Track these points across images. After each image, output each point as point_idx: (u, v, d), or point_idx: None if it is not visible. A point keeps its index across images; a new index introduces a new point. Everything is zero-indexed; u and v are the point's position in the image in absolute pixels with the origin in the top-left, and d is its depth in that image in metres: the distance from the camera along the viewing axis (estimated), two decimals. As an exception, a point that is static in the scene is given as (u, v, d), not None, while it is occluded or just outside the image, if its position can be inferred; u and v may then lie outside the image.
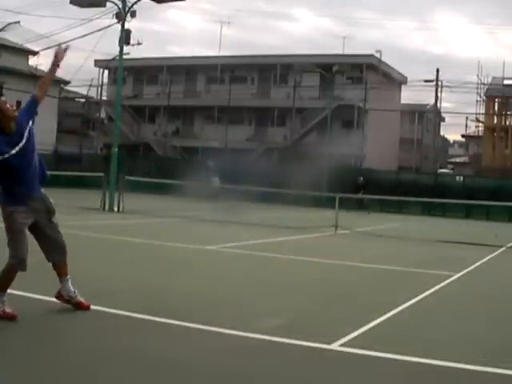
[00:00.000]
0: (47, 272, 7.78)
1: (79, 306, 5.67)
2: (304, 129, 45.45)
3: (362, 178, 30.11)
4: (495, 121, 48.44)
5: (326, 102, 40.81)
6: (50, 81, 6.10)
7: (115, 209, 19.70)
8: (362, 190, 27.85)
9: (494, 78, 47.15)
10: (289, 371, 4.42)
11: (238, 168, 30.54)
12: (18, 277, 7.30)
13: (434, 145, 43.96)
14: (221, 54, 52.88)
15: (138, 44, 36.46)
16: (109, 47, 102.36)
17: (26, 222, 5.41)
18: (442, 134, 59.27)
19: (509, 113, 48.40)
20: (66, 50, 5.80)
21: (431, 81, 41.82)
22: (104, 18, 27.29)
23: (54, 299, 5.94)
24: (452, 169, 52.01)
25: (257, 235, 14.80)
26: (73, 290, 5.75)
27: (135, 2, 22.24)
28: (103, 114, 51.78)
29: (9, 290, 6.41)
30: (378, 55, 45.07)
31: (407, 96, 63.13)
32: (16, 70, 39.20)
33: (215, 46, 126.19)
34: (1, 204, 5.35)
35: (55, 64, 5.75)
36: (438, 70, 41.65)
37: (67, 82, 45.69)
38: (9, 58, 39.53)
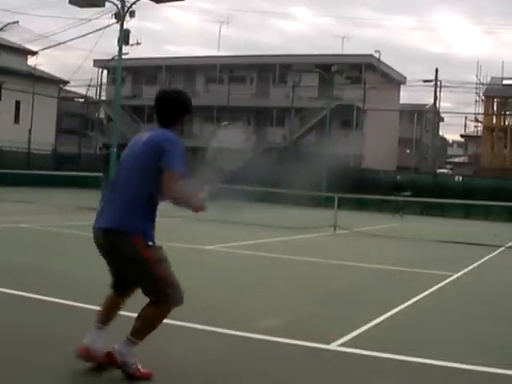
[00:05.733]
0: (47, 272, 7.80)
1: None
2: (303, 129, 45.45)
3: (399, 177, 30.19)
4: (494, 121, 48.47)
5: (325, 101, 40.82)
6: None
7: (114, 209, 19.68)
8: (402, 190, 27.61)
9: (492, 77, 47.19)
10: (288, 371, 4.43)
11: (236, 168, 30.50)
12: (17, 277, 7.32)
13: (432, 145, 43.99)
14: (220, 53, 52.93)
15: (137, 44, 36.55)
16: (108, 47, 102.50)
17: None
18: (440, 133, 59.40)
19: (508, 113, 48.43)
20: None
21: (430, 81, 41.91)
22: (103, 17, 27.33)
23: (58, 300, 5.92)
24: (451, 169, 52.04)
25: (256, 235, 14.80)
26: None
27: (134, 2, 22.26)
28: (102, 114, 51.79)
29: (9, 291, 6.42)
30: (377, 55, 45.09)
31: (406, 96, 63.29)
32: (15, 70, 39.18)
33: (214, 45, 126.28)
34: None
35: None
36: (437, 70, 41.71)
37: (66, 82, 45.72)
38: (8, 57, 39.52)
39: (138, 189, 3.90)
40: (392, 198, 26.27)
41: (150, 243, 3.93)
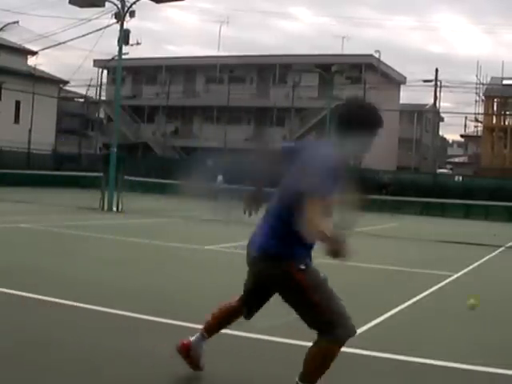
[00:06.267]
0: (47, 272, 7.79)
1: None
2: (303, 129, 45.46)
3: (386, 177, 30.25)
4: (494, 121, 48.47)
5: (325, 101, 40.80)
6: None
7: (114, 209, 19.70)
8: (384, 189, 27.79)
9: (492, 77, 47.18)
10: (287, 371, 4.42)
11: (237, 168, 30.55)
12: (17, 277, 7.31)
13: (432, 145, 43.97)
14: (220, 53, 52.89)
15: (137, 44, 36.53)
16: (108, 47, 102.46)
17: None
18: (440, 133, 59.38)
19: (508, 113, 48.44)
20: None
21: (430, 81, 41.90)
22: (103, 17, 27.34)
23: (58, 300, 5.92)
24: (451, 169, 52.03)
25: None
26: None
27: (134, 2, 22.24)
28: (102, 114, 51.80)
29: (9, 291, 6.41)
30: (377, 55, 45.10)
31: (406, 96, 63.46)
32: (15, 70, 39.17)
33: (214, 45, 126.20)
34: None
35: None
36: (437, 70, 41.71)
37: (66, 82, 45.71)
38: (8, 57, 39.52)
39: (285, 211, 3.47)
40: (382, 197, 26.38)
41: (303, 267, 3.53)
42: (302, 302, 3.54)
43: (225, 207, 19.70)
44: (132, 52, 40.67)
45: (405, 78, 50.32)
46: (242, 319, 5.90)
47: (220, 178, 28.13)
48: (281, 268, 3.51)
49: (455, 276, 9.66)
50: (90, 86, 49.61)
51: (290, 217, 3.37)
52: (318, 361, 3.48)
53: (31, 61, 43.80)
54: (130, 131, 49.24)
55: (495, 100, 48.12)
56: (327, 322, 3.43)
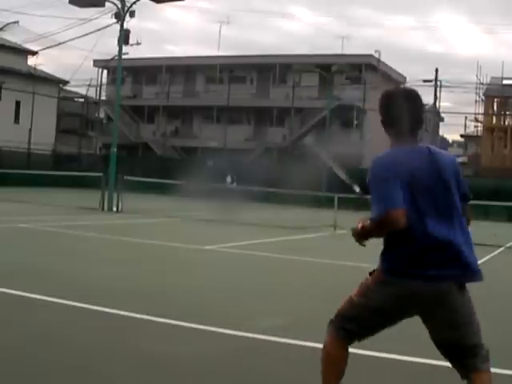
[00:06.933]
0: (47, 272, 7.79)
1: None
2: (303, 129, 45.46)
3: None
4: (494, 121, 48.45)
5: (324, 101, 40.79)
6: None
7: (114, 209, 19.71)
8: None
9: (492, 77, 47.16)
10: (288, 371, 4.42)
11: (237, 168, 30.59)
12: (17, 277, 7.30)
13: (433, 145, 43.96)
14: (220, 53, 52.89)
15: (137, 44, 36.51)
16: (108, 47, 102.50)
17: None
18: (441, 133, 59.38)
19: (508, 113, 48.42)
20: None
21: (430, 81, 41.85)
22: (103, 17, 27.33)
23: (54, 299, 5.91)
24: (451, 169, 51.94)
25: (256, 235, 14.79)
26: None
27: (134, 2, 22.24)
28: (102, 114, 51.77)
29: (9, 291, 6.41)
30: (376, 55, 45.07)
31: (406, 96, 63.30)
32: (15, 70, 39.19)
33: (214, 45, 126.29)
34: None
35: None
36: (437, 70, 41.67)
37: (66, 82, 45.70)
38: (8, 57, 39.51)
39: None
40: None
41: None
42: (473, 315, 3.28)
43: (233, 207, 19.68)
44: (132, 52, 40.74)
45: (405, 77, 50.28)
46: (241, 320, 5.90)
47: (229, 178, 28.27)
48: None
49: (455, 276, 9.65)
50: (89, 86, 49.61)
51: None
52: None
53: (31, 61, 43.85)
54: (130, 131, 49.21)
55: (495, 100, 48.10)
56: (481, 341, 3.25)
